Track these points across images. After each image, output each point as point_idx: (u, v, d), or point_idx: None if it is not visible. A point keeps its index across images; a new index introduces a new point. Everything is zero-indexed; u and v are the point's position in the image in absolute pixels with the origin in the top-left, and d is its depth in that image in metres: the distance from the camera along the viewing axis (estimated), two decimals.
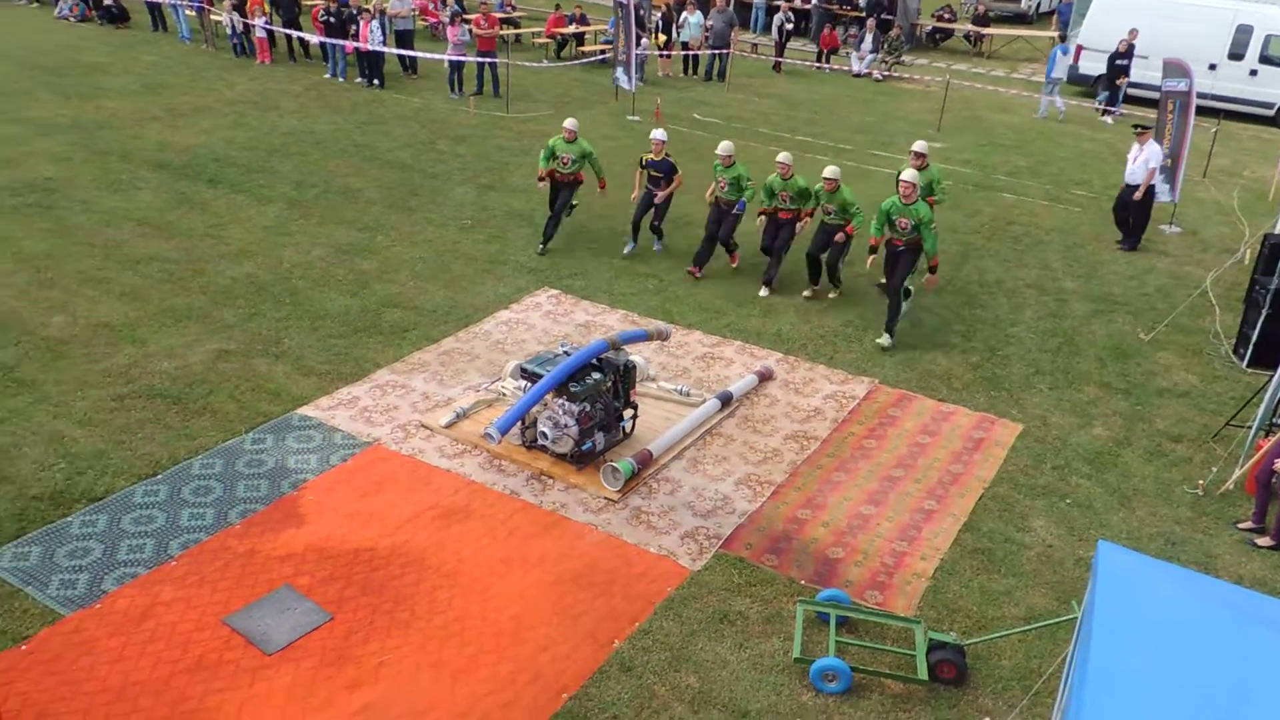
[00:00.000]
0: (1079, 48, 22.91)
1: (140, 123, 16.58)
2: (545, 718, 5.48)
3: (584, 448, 7.60)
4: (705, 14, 23.52)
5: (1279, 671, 3.42)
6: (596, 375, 7.77)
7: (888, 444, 8.35)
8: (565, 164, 11.65)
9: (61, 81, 18.98)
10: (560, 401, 7.64)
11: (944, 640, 5.88)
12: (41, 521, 6.76)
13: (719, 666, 5.91)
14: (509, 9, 26.37)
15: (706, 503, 7.43)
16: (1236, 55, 21.26)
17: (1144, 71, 20.66)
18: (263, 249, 11.62)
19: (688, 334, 10.05)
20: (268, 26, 21.64)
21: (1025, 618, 6.42)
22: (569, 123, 11.65)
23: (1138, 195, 12.88)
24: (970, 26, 28.99)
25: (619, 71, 19.58)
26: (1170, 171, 13.62)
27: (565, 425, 7.52)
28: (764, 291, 11.10)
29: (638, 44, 22.14)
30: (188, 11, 23.63)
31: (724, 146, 11.33)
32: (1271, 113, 21.37)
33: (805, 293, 11.10)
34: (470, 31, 20.09)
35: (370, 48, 19.75)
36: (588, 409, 7.62)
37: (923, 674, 5.73)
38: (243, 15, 21.88)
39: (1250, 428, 8.03)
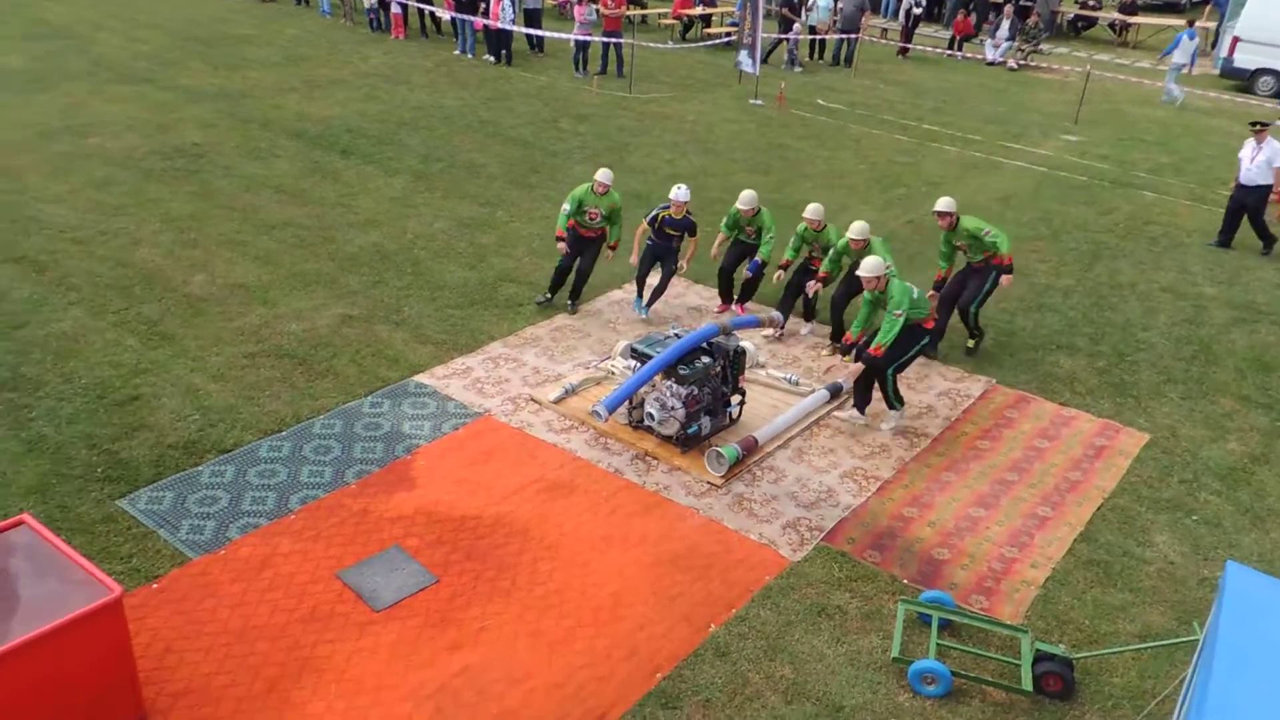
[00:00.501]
0: (1235, 39, 21.60)
1: (280, 93, 17.27)
2: (638, 695, 5.54)
3: (690, 431, 7.60)
4: None
5: None
6: (706, 359, 7.76)
7: (1002, 446, 8.10)
8: (593, 219, 9.70)
9: (211, 52, 19.91)
10: (668, 383, 7.66)
11: (1052, 652, 5.69)
12: (175, 469, 7.16)
13: (814, 659, 5.86)
14: None
15: (810, 494, 7.35)
16: None
17: None
18: (389, 219, 11.98)
19: (799, 323, 9.93)
20: (403, 1, 22.21)
21: (1141, 635, 6.16)
22: (602, 174, 9.62)
23: (1275, 197, 12.07)
24: (1116, 15, 27.64)
25: (742, 55, 19.40)
26: None
27: (672, 407, 7.54)
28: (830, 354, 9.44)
29: (789, 28, 21.90)
30: None
31: (746, 198, 9.69)
32: None
33: (825, 351, 9.51)
34: (597, 11, 20.21)
35: (500, 25, 20.07)
36: (695, 392, 7.62)
37: (1027, 685, 5.56)
38: None
39: None
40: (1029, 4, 25.19)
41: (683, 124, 17.05)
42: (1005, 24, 24.07)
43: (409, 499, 7.02)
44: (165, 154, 13.71)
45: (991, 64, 23.84)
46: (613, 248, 9.87)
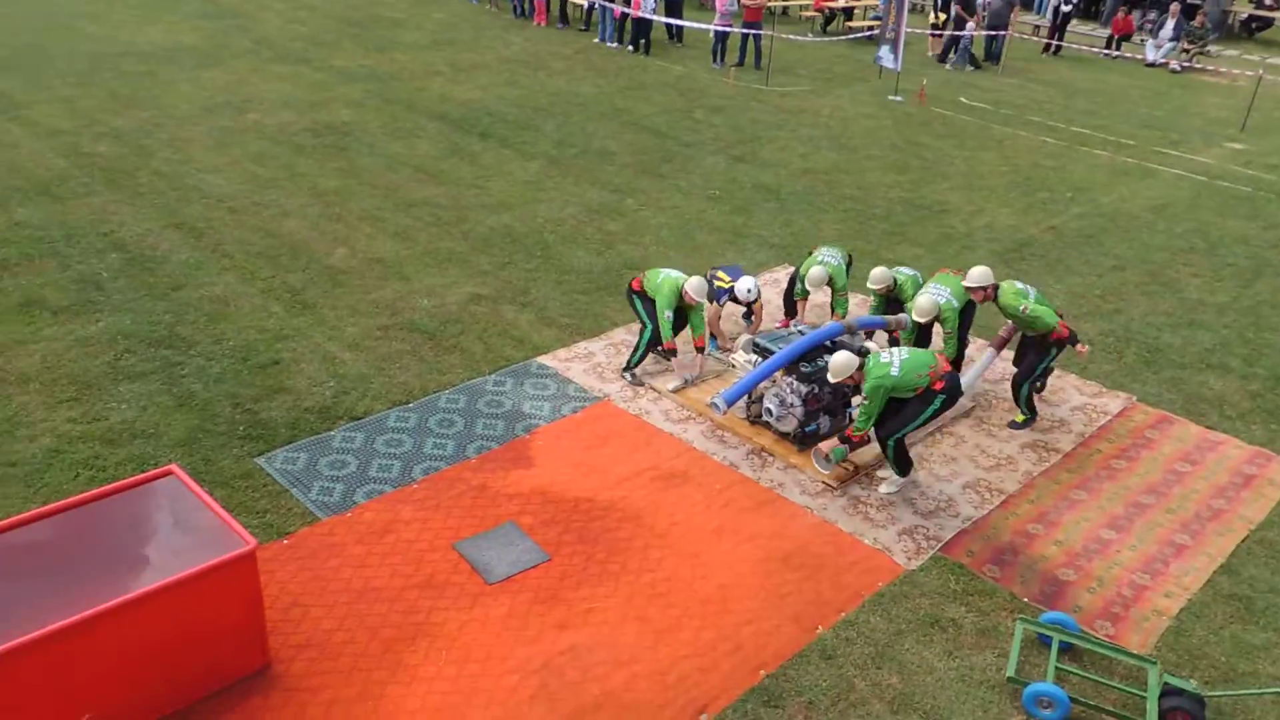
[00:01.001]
0: None
1: (426, 76, 17.80)
2: (741, 690, 5.51)
3: (808, 429, 7.51)
4: None
5: None
6: (829, 358, 7.63)
7: (1139, 467, 7.70)
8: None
9: (363, 34, 20.68)
10: (789, 380, 7.57)
11: (1181, 687, 5.38)
12: (310, 432, 7.50)
13: (924, 671, 5.71)
14: None
15: (929, 502, 7.15)
16: None
17: None
18: (521, 202, 12.21)
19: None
20: None
21: None
22: (695, 287, 8.11)
23: None
24: None
25: (883, 50, 18.95)
26: None
27: (791, 404, 7.46)
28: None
29: (961, 26, 21.26)
30: None
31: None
32: None
33: None
34: (738, 2, 20.07)
35: (641, 14, 20.16)
36: (816, 391, 7.51)
37: (1152, 719, 5.29)
38: None
39: None
40: (1196, 3, 23.77)
41: (818, 118, 16.79)
42: (1170, 23, 22.78)
43: (526, 477, 7.16)
44: (316, 131, 14.33)
45: (1152, 65, 22.61)
46: (699, 347, 8.36)
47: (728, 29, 19.70)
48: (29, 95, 15.11)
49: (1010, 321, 8.09)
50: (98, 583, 4.94)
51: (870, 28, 22.74)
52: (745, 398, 7.70)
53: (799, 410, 7.44)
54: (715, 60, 20.01)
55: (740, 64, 19.82)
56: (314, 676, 5.41)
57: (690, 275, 8.26)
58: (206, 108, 15.03)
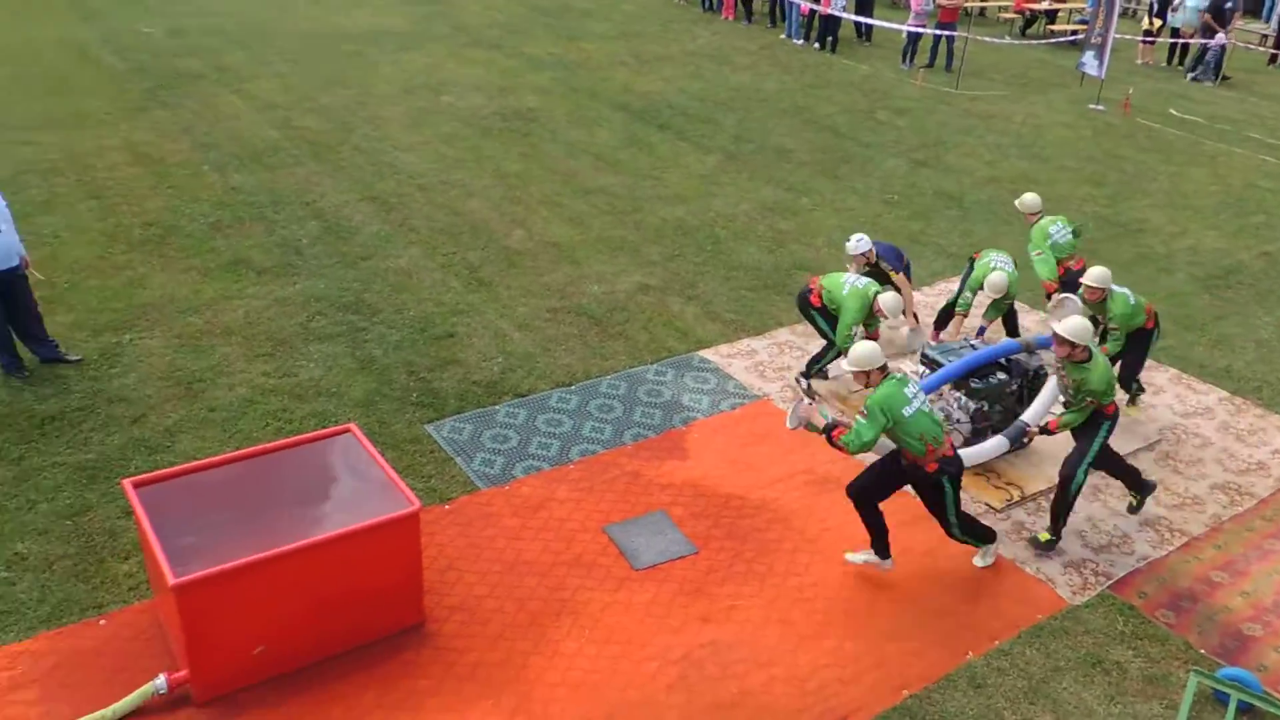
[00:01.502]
0: None
1: (611, 66, 18.11)
2: (881, 708, 5.38)
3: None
4: None
5: None
6: (1002, 376, 7.33)
7: None
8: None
9: (555, 23, 21.23)
10: (957, 395, 7.31)
11: None
12: (476, 405, 7.79)
13: (1081, 713, 5.41)
14: None
15: (1101, 536, 6.76)
16: None
17: None
18: (695, 196, 12.26)
19: None
20: None
21: None
22: (890, 304, 7.77)
23: None
24: None
25: (1087, 55, 17.90)
26: None
27: (957, 420, 7.20)
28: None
29: (1210, 35, 19.98)
30: None
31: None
32: None
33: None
34: (934, 1, 19.43)
35: (830, 11, 19.84)
36: (985, 409, 7.22)
37: None
38: None
39: None
40: None
41: (1009, 125, 16.08)
42: None
43: (679, 468, 7.20)
44: (504, 115, 14.82)
45: None
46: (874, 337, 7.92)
47: (921, 29, 19.11)
48: (252, 70, 16.30)
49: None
50: (278, 525, 5.31)
51: (1074, 31, 21.55)
52: None
53: (965, 427, 7.18)
54: (904, 61, 19.47)
55: (930, 65, 19.20)
56: (462, 639, 5.64)
57: (876, 283, 7.84)
58: (405, 88, 15.80)
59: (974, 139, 15.24)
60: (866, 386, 5.86)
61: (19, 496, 6.44)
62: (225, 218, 10.72)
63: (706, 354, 8.71)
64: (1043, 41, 22.21)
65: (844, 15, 20.19)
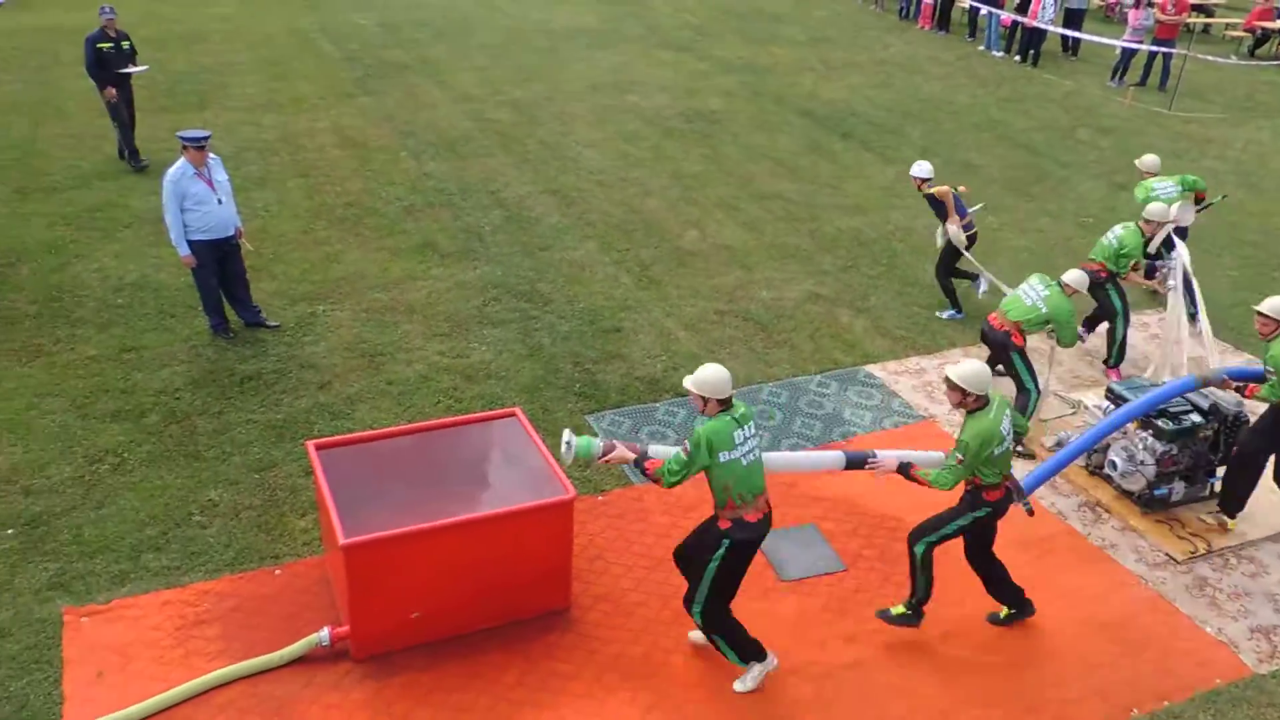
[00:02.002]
0: None
1: (798, 72, 17.95)
2: None
3: (1157, 492, 6.76)
4: None
5: None
6: (1196, 418, 6.81)
7: None
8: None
9: (746, 27, 21.23)
10: (1144, 435, 6.85)
11: None
12: (637, 400, 7.90)
13: None
14: None
15: None
16: None
17: None
18: (874, 207, 12.00)
19: None
20: None
21: None
22: (1075, 278, 7.63)
23: None
24: None
25: None
26: None
27: (1141, 461, 6.75)
28: None
29: None
30: None
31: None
32: None
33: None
34: (1154, 16, 18.27)
35: (1036, 24, 18.97)
36: (1174, 452, 6.74)
37: None
38: None
39: None
40: None
41: (1226, 150, 14.93)
42: None
43: (835, 483, 7.07)
44: (687, 117, 14.95)
45: None
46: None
47: (1137, 45, 18.00)
48: (453, 63, 17.09)
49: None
50: (441, 498, 5.56)
51: None
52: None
53: (1150, 470, 6.72)
54: (1114, 78, 18.39)
55: (1142, 83, 18.06)
56: (606, 629, 5.73)
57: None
58: (593, 86, 16.17)
59: (1185, 163, 14.21)
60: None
61: (216, 448, 7.01)
62: (417, 202, 11.28)
63: (873, 369, 8.52)
64: (1274, 62, 20.49)
65: (1050, 28, 19.27)
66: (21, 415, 7.22)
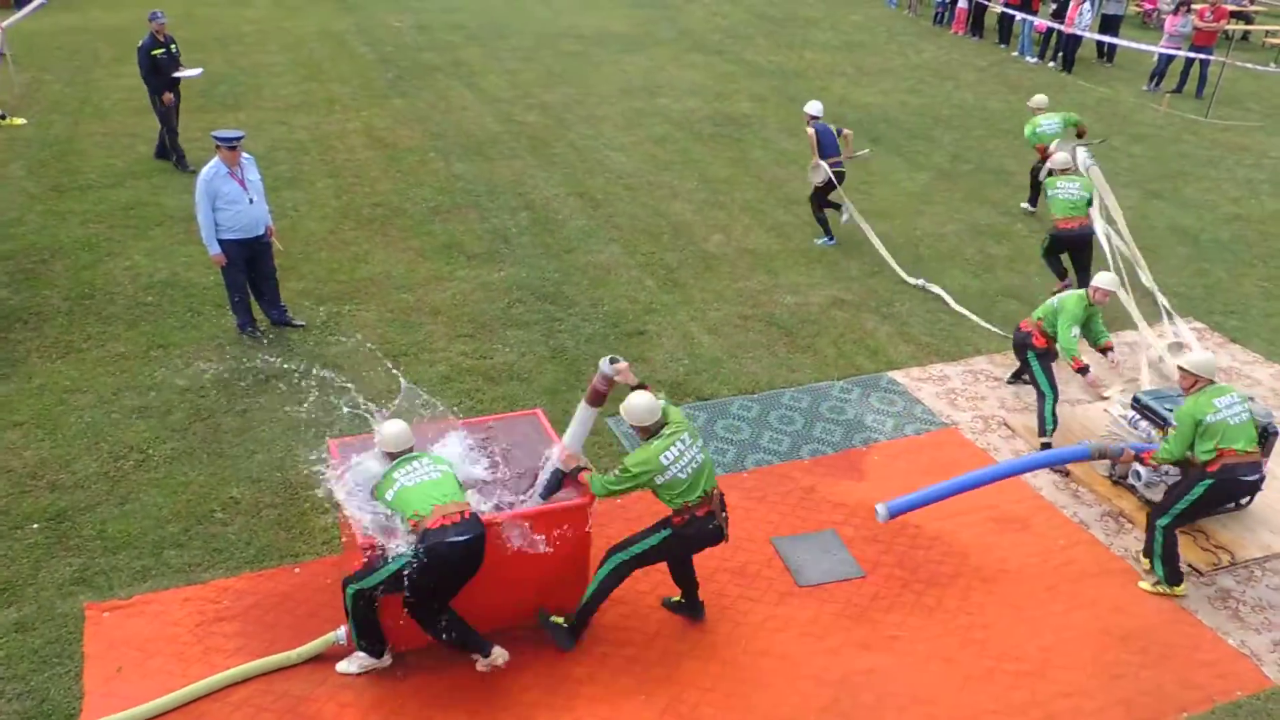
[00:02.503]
0: None
1: (830, 76, 17.89)
2: None
3: None
4: None
5: None
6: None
7: None
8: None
9: (778, 31, 21.19)
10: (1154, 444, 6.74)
11: None
12: None
13: None
14: (1245, 1, 23.10)
15: None
16: None
17: None
18: (901, 212, 11.93)
19: None
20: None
21: None
22: (1107, 281, 7.50)
23: None
24: None
25: None
26: None
27: (1166, 471, 6.65)
28: None
29: None
30: None
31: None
32: None
33: None
34: (1192, 23, 18.01)
35: (1073, 30, 18.77)
36: None
37: None
38: None
39: None
40: None
41: (1264, 159, 14.69)
42: None
43: (855, 489, 7.04)
44: (716, 121, 14.94)
45: None
46: (1080, 369, 7.38)
47: (1175, 51, 17.75)
48: (484, 65, 17.21)
49: None
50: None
51: None
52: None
53: (1173, 480, 6.62)
54: (1150, 84, 18.15)
55: (1178, 90, 17.81)
56: (621, 631, 5.74)
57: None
58: (623, 89, 16.21)
59: (1220, 172, 14.03)
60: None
61: (240, 445, 7.10)
62: (445, 203, 11.37)
63: (896, 375, 8.47)
64: None
65: (1086, 34, 19.06)
66: (50, 410, 7.35)
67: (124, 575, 5.90)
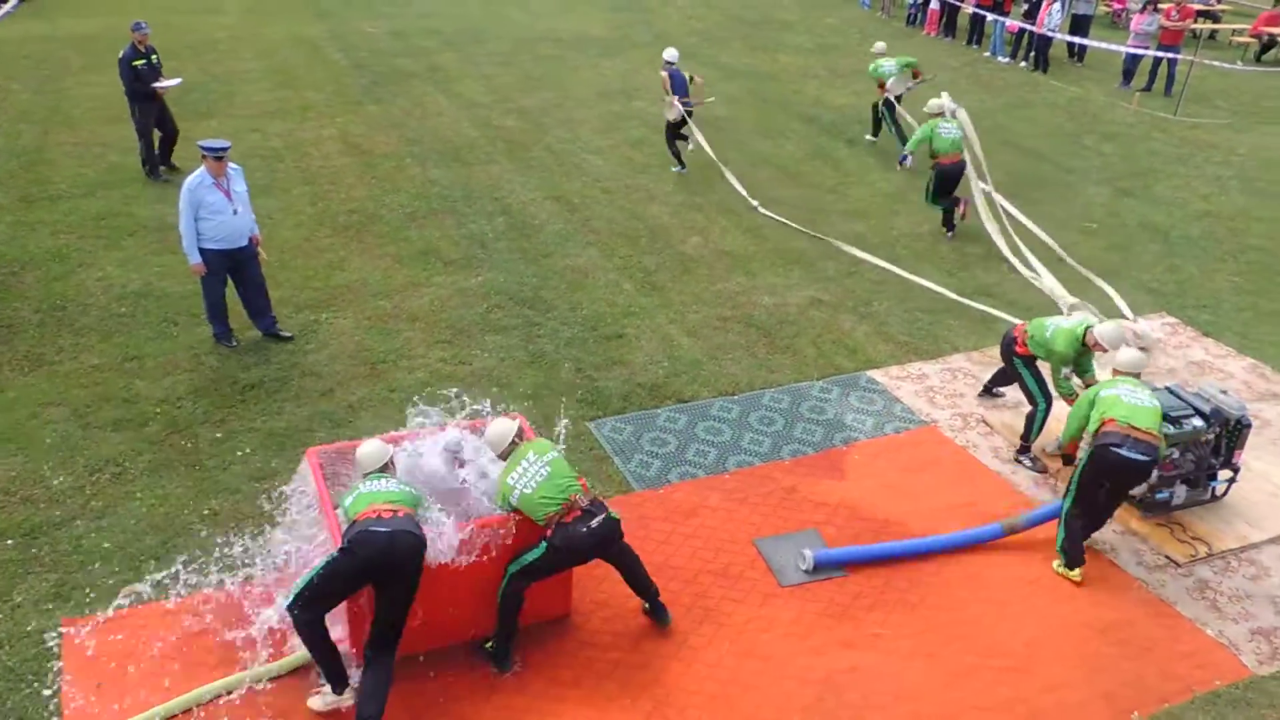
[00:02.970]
0: None
1: (803, 78, 17.96)
2: None
3: (1157, 495, 6.74)
4: None
5: None
6: (1197, 423, 6.79)
7: None
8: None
9: (753, 34, 21.26)
10: None
11: None
12: (639, 406, 7.90)
13: None
14: (1212, 0, 23.41)
15: None
16: None
17: None
18: (877, 213, 11.99)
19: None
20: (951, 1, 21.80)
21: None
22: (1110, 333, 6.97)
23: None
24: None
25: None
26: None
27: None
28: None
29: None
30: None
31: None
32: None
33: None
34: (1158, 22, 18.22)
35: (1043, 30, 18.94)
36: (1175, 456, 6.72)
37: None
38: None
39: None
40: None
41: (1231, 156, 14.89)
42: None
43: (836, 488, 7.06)
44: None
45: None
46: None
47: (1142, 50, 17.96)
48: (461, 70, 17.16)
49: None
50: (442, 505, 5.54)
51: None
52: None
53: (1152, 475, 6.69)
54: (1124, 82, 18.34)
55: (1148, 89, 18.02)
56: (606, 635, 5.73)
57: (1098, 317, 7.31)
58: (601, 93, 16.21)
59: (1190, 169, 14.20)
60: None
61: (217, 457, 7.03)
62: (421, 209, 11.32)
63: (875, 374, 8.51)
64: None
65: (1056, 35, 19.25)
66: (23, 425, 7.26)
67: (102, 590, 5.82)
